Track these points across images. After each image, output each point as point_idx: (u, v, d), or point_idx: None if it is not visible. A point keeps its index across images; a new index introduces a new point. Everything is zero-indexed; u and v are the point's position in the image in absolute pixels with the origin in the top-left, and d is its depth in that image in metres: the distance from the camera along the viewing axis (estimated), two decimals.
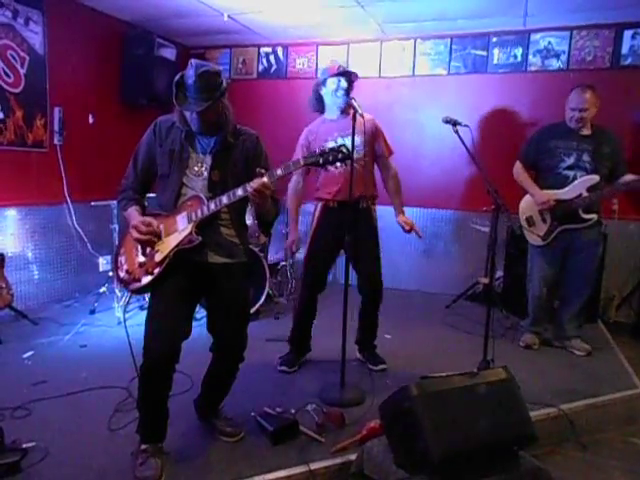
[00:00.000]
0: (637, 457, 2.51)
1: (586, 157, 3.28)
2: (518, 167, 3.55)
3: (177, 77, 1.96)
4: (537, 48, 4.57)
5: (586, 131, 3.32)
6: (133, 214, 2.06)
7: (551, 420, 2.54)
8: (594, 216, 3.27)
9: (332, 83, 2.92)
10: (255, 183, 1.89)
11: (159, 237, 2.01)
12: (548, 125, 3.53)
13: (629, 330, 4.13)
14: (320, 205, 3.06)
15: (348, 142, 2.85)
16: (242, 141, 2.12)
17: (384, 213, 3.21)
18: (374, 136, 3.05)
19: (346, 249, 2.71)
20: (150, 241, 2.00)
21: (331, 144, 2.85)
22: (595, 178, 3.24)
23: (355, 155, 2.83)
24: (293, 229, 3.16)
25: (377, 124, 3.08)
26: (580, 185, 3.27)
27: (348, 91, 2.93)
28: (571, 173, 3.31)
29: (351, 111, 2.93)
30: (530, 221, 3.48)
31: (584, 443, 2.52)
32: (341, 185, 2.92)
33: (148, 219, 2.01)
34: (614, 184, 3.27)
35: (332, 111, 3.00)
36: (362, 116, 2.65)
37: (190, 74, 1.91)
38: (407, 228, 3.05)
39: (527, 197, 3.50)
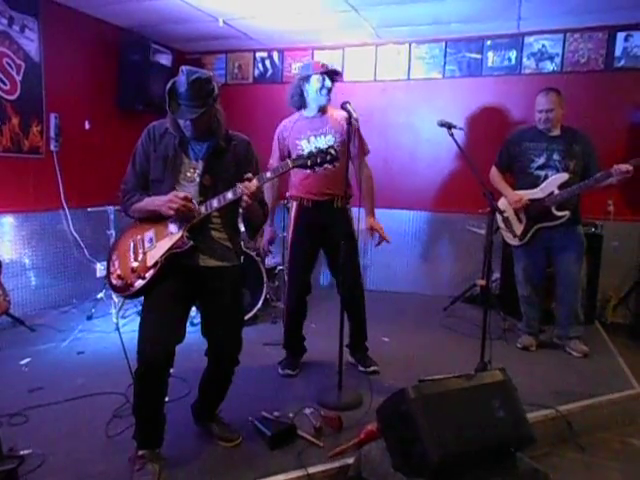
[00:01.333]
0: (635, 458, 2.52)
1: (556, 156, 3.36)
2: (493, 171, 3.67)
3: (169, 85, 1.97)
4: (531, 51, 4.60)
5: (555, 132, 3.41)
6: (153, 198, 2.05)
7: (548, 421, 2.55)
8: (566, 213, 3.32)
9: (317, 81, 2.87)
10: (243, 186, 1.93)
11: (193, 209, 1.99)
12: (519, 129, 3.68)
13: (626, 331, 4.14)
14: (295, 205, 3.03)
15: (321, 142, 2.89)
16: (234, 146, 2.14)
17: (377, 215, 3.21)
18: (347, 134, 2.93)
19: (343, 251, 2.68)
20: (188, 210, 1.97)
21: (304, 143, 2.89)
22: (564, 176, 3.32)
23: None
24: (268, 226, 3.10)
25: (351, 121, 2.91)
26: (551, 184, 3.35)
27: (330, 90, 2.90)
28: (542, 172, 3.40)
29: (329, 110, 2.96)
30: (506, 222, 3.57)
31: (582, 444, 2.53)
32: (312, 183, 2.91)
33: (175, 192, 1.99)
34: (584, 181, 3.29)
35: (311, 109, 2.96)
36: (357, 120, 2.67)
37: (182, 82, 1.92)
38: (376, 242, 3.01)
39: (502, 199, 3.59)
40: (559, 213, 3.34)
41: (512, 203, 3.48)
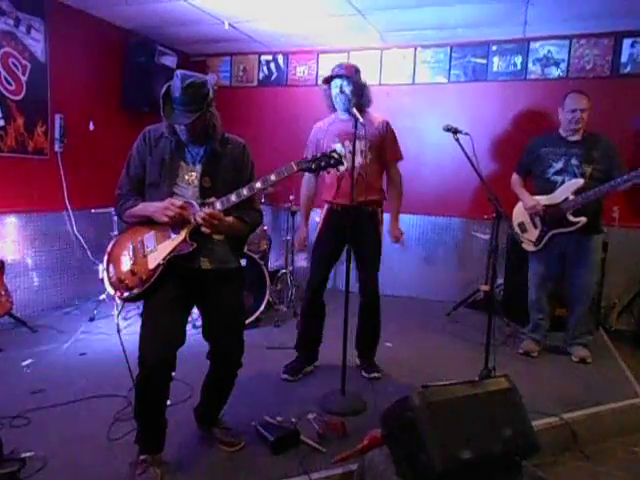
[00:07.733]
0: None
1: (574, 161, 3.33)
2: (514, 177, 3.66)
3: (163, 89, 1.96)
4: (537, 56, 4.59)
5: (576, 137, 3.38)
6: (148, 203, 2.04)
7: (553, 429, 2.53)
8: (582, 219, 3.27)
9: (334, 87, 2.91)
10: (203, 213, 1.92)
11: (187, 216, 1.98)
12: (540, 135, 3.62)
13: (630, 338, 4.11)
14: (325, 208, 3.08)
15: (356, 145, 2.81)
16: (230, 149, 2.14)
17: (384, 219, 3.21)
18: (382, 139, 2.99)
19: (349, 255, 2.69)
20: (183, 216, 1.97)
21: (338, 146, 2.88)
22: (579, 182, 3.28)
23: (358, 160, 2.74)
24: (303, 225, 3.15)
25: (389, 127, 3.04)
26: (566, 189, 3.32)
27: (351, 93, 2.86)
28: (559, 178, 3.37)
29: (368, 114, 2.96)
30: (522, 227, 3.55)
31: (586, 453, 2.51)
32: (340, 189, 2.90)
33: (172, 199, 1.98)
34: (599, 187, 3.22)
35: (340, 112, 2.98)
36: (363, 124, 2.65)
37: (177, 86, 1.92)
38: (394, 241, 3.12)
39: (519, 204, 3.58)
40: (574, 219, 3.29)
41: (527, 208, 3.45)
